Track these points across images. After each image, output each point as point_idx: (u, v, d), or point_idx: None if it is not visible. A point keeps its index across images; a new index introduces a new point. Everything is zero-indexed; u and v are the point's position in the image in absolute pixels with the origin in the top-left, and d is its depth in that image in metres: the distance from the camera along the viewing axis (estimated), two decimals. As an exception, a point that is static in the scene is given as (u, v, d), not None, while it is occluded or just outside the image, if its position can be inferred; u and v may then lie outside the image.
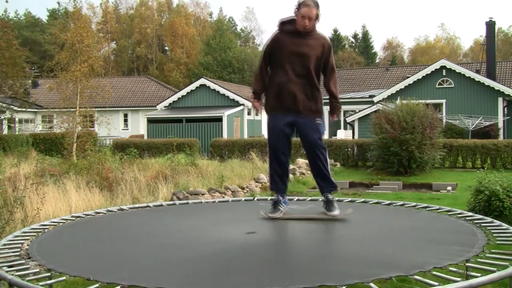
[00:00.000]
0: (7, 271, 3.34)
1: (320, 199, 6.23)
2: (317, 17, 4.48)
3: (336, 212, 4.72)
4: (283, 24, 4.57)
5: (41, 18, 65.15)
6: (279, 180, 4.83)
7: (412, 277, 3.04)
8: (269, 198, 7.10)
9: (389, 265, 3.32)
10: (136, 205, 6.63)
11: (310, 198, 6.61)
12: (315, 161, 4.72)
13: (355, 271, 3.19)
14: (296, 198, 6.75)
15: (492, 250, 3.66)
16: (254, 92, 4.77)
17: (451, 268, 3.23)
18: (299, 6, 4.44)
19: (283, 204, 4.81)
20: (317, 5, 4.46)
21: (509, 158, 16.57)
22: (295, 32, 4.51)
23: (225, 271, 3.32)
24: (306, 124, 4.62)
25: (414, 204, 5.98)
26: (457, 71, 25.80)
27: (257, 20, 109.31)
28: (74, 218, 5.47)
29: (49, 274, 3.51)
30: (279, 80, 4.56)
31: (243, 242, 4.10)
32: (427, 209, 5.67)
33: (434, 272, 3.11)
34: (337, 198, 6.78)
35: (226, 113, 25.85)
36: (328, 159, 4.84)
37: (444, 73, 26.01)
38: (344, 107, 30.24)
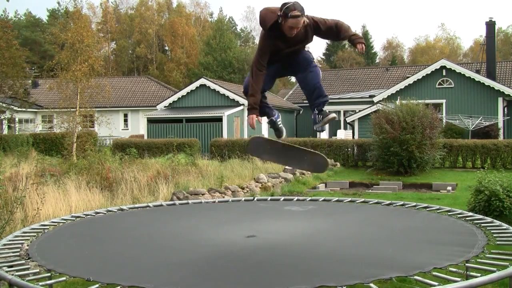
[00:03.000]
0: (7, 271, 3.34)
1: (321, 199, 6.22)
2: (304, 23, 4.18)
3: (332, 114, 4.53)
4: (271, 28, 4.23)
5: (41, 18, 65.17)
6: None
7: (412, 277, 3.05)
8: (269, 198, 7.10)
9: (389, 266, 3.33)
10: (136, 205, 6.63)
11: (310, 198, 6.61)
12: (312, 80, 4.50)
13: (355, 272, 3.19)
14: (296, 198, 6.76)
15: (492, 250, 3.66)
16: (253, 108, 4.40)
17: (451, 269, 3.23)
18: (286, 15, 4.06)
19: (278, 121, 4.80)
20: (303, 13, 4.13)
21: (509, 158, 16.57)
22: (282, 35, 4.25)
23: (225, 272, 3.33)
24: (300, 55, 4.50)
25: (414, 204, 5.98)
26: (457, 71, 25.80)
27: (257, 20, 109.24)
28: (74, 219, 5.47)
29: (49, 274, 3.51)
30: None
31: (243, 244, 4.10)
32: (427, 209, 5.67)
33: (434, 273, 3.12)
34: (337, 198, 6.79)
35: (226, 113, 25.85)
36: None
37: (444, 73, 26.01)
38: (344, 107, 30.27)
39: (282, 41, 4.31)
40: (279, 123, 4.80)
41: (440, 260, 3.35)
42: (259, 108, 4.53)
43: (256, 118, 4.39)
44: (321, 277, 3.11)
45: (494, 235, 4.26)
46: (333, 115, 4.55)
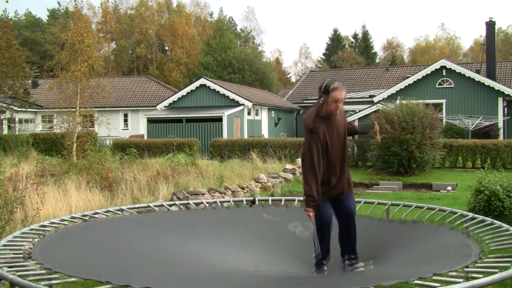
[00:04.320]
0: (8, 271, 3.34)
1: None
2: (344, 98, 4.61)
3: (360, 266, 4.65)
4: (314, 121, 4.54)
5: (41, 18, 65.17)
6: (327, 254, 4.76)
7: (412, 281, 3.04)
8: (270, 198, 7.10)
9: (388, 277, 3.32)
10: (136, 205, 6.62)
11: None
12: (350, 229, 4.72)
13: (355, 282, 3.19)
14: (297, 198, 6.75)
15: (491, 250, 3.66)
16: (313, 199, 4.46)
17: (451, 273, 3.23)
18: (329, 91, 4.49)
19: (326, 267, 4.79)
20: (343, 87, 4.61)
21: (509, 158, 16.56)
22: (325, 118, 4.56)
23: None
24: (348, 199, 4.75)
25: (414, 204, 5.97)
26: (457, 71, 25.79)
27: (257, 20, 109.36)
28: (74, 219, 5.46)
29: (49, 274, 3.50)
30: (326, 169, 4.57)
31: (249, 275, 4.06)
32: (428, 210, 5.66)
33: (435, 277, 3.11)
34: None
35: (226, 113, 25.84)
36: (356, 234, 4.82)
37: (444, 73, 26.00)
38: (344, 107, 30.22)
39: (327, 126, 4.56)
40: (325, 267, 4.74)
41: (439, 269, 3.34)
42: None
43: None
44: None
45: (494, 236, 4.26)
46: (361, 268, 4.61)
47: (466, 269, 3.35)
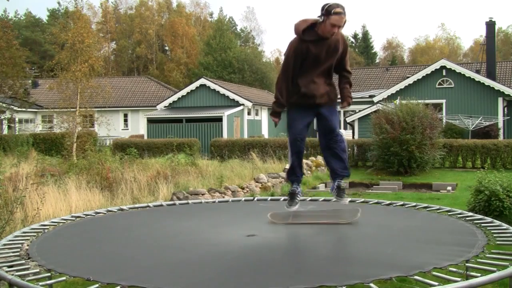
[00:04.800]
0: (7, 271, 3.34)
1: (321, 199, 6.23)
2: (344, 24, 4.40)
3: (347, 200, 4.87)
4: (304, 33, 4.46)
5: (41, 18, 65.17)
6: (299, 170, 4.86)
7: (412, 277, 3.04)
8: (269, 198, 7.10)
9: (389, 266, 3.32)
10: (136, 205, 6.63)
11: (310, 198, 6.61)
12: (332, 145, 4.75)
13: (355, 272, 3.19)
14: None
15: (492, 250, 3.66)
16: (281, 106, 4.64)
17: (451, 269, 3.23)
18: (329, 13, 4.29)
19: (299, 195, 4.91)
20: (345, 12, 4.34)
21: (509, 158, 16.56)
22: (316, 38, 4.44)
23: (226, 273, 3.33)
24: (329, 112, 4.70)
25: (414, 204, 5.99)
26: (457, 71, 25.79)
27: (257, 20, 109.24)
28: (74, 218, 5.47)
29: (49, 274, 3.50)
30: (303, 83, 4.56)
31: (244, 244, 4.09)
32: (427, 209, 5.67)
33: (434, 273, 3.11)
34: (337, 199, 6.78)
35: (226, 113, 25.85)
36: (346, 143, 4.86)
37: (444, 73, 26.01)
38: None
39: (315, 43, 4.44)
40: (298, 197, 4.89)
41: (440, 260, 3.35)
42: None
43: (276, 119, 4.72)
44: (322, 277, 3.11)
45: (494, 235, 4.26)
46: (346, 201, 4.84)
47: (467, 264, 3.35)
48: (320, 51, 4.46)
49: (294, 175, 4.87)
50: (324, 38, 4.42)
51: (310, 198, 6.58)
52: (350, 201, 6.47)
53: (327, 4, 4.34)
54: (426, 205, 5.96)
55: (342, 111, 30.27)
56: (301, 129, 4.67)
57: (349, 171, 4.86)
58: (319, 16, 4.40)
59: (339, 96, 4.84)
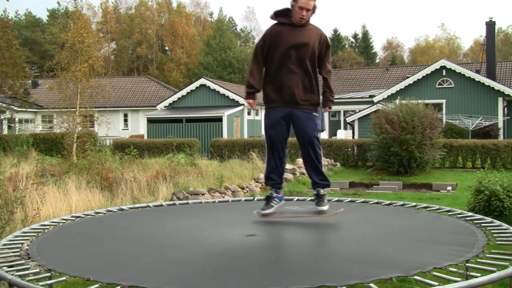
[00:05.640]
0: (7, 271, 3.34)
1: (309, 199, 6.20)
2: (314, 8, 4.42)
3: (325, 207, 4.69)
4: (277, 15, 4.51)
5: (41, 18, 65.17)
6: (276, 176, 4.78)
7: (412, 277, 3.04)
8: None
9: (389, 266, 3.32)
10: (136, 205, 6.63)
11: (310, 198, 6.61)
12: (309, 154, 4.64)
13: (355, 272, 3.19)
14: (296, 198, 6.76)
15: (492, 250, 3.66)
16: (251, 87, 4.61)
17: (451, 269, 3.23)
18: None
19: (277, 200, 4.78)
20: None
21: (509, 158, 16.57)
22: (290, 24, 4.46)
23: (225, 272, 3.32)
24: (304, 117, 4.58)
25: (414, 204, 5.99)
26: (457, 71, 25.80)
27: (257, 20, 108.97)
28: (74, 218, 5.47)
29: (49, 274, 3.50)
30: (277, 73, 4.52)
31: (243, 244, 4.09)
32: (427, 209, 5.68)
33: (434, 273, 3.11)
34: (337, 198, 6.79)
35: (226, 113, 25.85)
36: (322, 153, 4.74)
37: (444, 73, 26.01)
38: (344, 107, 30.25)
39: (289, 32, 4.44)
40: (274, 202, 4.77)
41: (440, 260, 3.34)
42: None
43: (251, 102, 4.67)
44: (321, 277, 3.11)
45: (494, 235, 4.26)
46: (325, 208, 4.68)
47: (467, 264, 3.35)
48: (293, 38, 4.43)
49: (272, 180, 4.80)
50: (297, 25, 4.44)
51: (310, 198, 6.57)
52: (350, 201, 6.47)
53: None
54: (426, 205, 5.96)
55: (342, 111, 30.30)
56: (277, 133, 4.60)
57: (328, 181, 4.75)
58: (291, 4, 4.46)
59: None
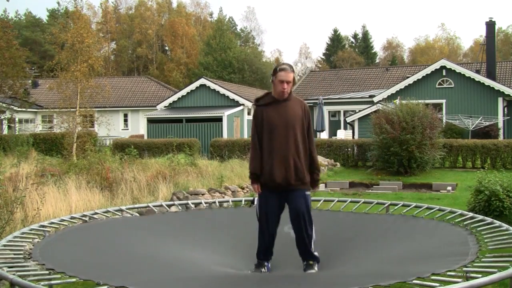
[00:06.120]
0: (8, 271, 3.34)
1: (322, 200, 6.21)
2: (294, 80, 4.55)
3: (313, 271, 4.57)
4: (258, 100, 4.66)
5: (41, 18, 65.13)
6: (268, 252, 4.74)
7: (411, 282, 3.04)
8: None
9: (386, 276, 3.32)
10: (136, 205, 6.63)
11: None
12: (300, 232, 4.59)
13: (352, 281, 3.19)
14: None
15: (487, 254, 3.65)
16: (253, 174, 4.64)
17: (449, 273, 3.23)
18: (275, 71, 4.51)
19: (266, 269, 4.74)
20: (292, 69, 4.55)
21: (509, 158, 16.56)
22: (273, 101, 4.56)
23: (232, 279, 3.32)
24: (297, 196, 4.58)
25: (414, 204, 5.98)
26: (457, 71, 25.78)
27: (257, 20, 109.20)
28: (74, 220, 5.47)
29: (49, 274, 3.51)
30: (268, 154, 4.54)
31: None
32: (427, 212, 5.67)
33: (433, 277, 3.11)
34: (337, 199, 6.79)
35: (226, 113, 25.83)
36: (313, 233, 4.64)
37: (444, 73, 26.00)
38: (344, 107, 30.24)
39: (274, 109, 4.53)
40: (264, 269, 4.72)
41: (437, 268, 3.34)
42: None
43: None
44: (319, 286, 3.10)
45: (494, 235, 4.26)
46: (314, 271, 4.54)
47: (464, 269, 3.35)
48: (278, 116, 4.50)
49: (263, 259, 4.75)
50: (280, 101, 4.53)
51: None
52: (351, 201, 6.47)
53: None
54: (426, 205, 5.95)
55: (342, 111, 30.31)
56: (271, 210, 4.58)
57: (316, 258, 4.60)
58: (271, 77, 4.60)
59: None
